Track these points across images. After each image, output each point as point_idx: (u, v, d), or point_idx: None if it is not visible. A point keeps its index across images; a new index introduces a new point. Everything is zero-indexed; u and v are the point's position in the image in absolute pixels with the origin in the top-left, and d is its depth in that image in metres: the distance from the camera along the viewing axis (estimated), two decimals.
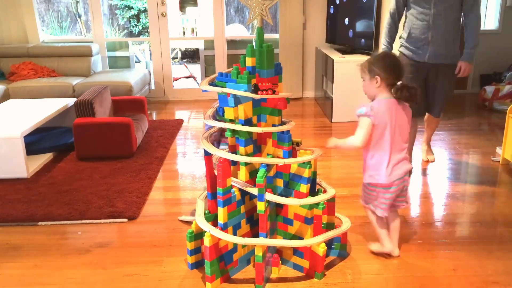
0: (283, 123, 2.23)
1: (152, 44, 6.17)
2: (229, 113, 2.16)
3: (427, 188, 3.32)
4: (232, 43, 7.12)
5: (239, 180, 2.21)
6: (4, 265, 2.39)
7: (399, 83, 2.18)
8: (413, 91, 2.16)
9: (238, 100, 2.10)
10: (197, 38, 9.40)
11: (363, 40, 4.96)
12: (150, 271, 2.31)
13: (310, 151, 2.29)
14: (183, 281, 2.23)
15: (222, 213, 2.12)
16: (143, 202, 3.09)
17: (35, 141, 4.04)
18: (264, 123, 2.21)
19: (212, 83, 2.24)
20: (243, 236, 2.24)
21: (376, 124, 2.16)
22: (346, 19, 5.29)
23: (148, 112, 5.37)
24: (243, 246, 2.26)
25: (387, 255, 2.38)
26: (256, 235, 2.21)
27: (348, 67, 4.83)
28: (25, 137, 3.52)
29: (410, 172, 2.36)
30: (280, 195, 2.26)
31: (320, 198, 2.18)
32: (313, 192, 2.26)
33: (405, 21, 3.31)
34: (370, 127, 2.17)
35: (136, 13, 10.32)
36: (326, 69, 5.28)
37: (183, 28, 10.09)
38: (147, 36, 7.37)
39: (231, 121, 2.16)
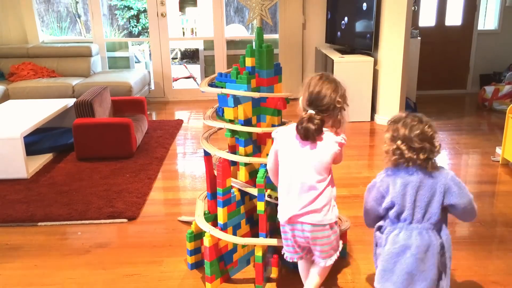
0: (283, 123, 2.23)
1: (151, 45, 6.17)
2: (228, 113, 2.16)
3: None
4: (231, 43, 7.12)
5: (238, 181, 2.21)
6: (4, 265, 2.39)
7: (310, 111, 1.81)
8: (304, 127, 1.78)
9: (237, 101, 2.10)
10: (196, 38, 9.40)
11: (362, 40, 4.96)
12: (150, 271, 2.31)
13: None
14: (183, 281, 2.23)
15: (222, 213, 2.12)
16: (143, 203, 3.09)
17: (35, 141, 4.04)
18: (263, 123, 2.21)
19: (211, 84, 2.24)
20: (243, 236, 2.24)
21: (276, 149, 1.93)
22: (346, 19, 5.29)
23: (148, 113, 5.36)
24: (243, 246, 2.26)
25: None
26: (256, 235, 2.21)
27: (348, 67, 4.83)
28: (25, 138, 3.52)
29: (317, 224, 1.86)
30: None
31: None
32: None
33: None
34: (274, 151, 1.94)
35: (135, 14, 10.32)
36: (326, 69, 5.28)
37: (183, 28, 10.09)
38: (147, 37, 7.37)
39: (231, 121, 2.16)
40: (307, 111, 1.83)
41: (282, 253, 2.00)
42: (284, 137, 1.90)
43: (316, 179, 1.83)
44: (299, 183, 1.84)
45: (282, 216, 1.89)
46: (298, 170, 1.84)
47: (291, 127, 1.89)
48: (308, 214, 1.84)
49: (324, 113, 1.82)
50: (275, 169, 1.97)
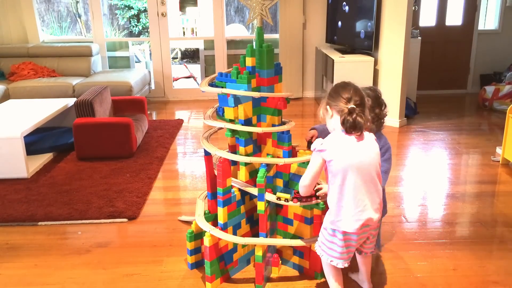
0: (283, 123, 2.23)
1: (152, 44, 6.17)
2: (229, 113, 2.16)
3: (427, 188, 3.32)
4: (232, 43, 7.12)
5: (239, 180, 2.21)
6: (4, 265, 2.39)
7: (349, 106, 1.80)
8: (354, 118, 1.78)
9: (238, 100, 2.10)
10: (197, 38, 9.39)
11: (363, 40, 4.96)
12: (150, 271, 2.31)
13: (310, 151, 2.28)
14: (183, 281, 2.23)
15: (222, 213, 2.12)
16: (143, 202, 3.09)
17: (35, 141, 4.04)
18: (264, 123, 2.21)
19: (212, 83, 2.24)
20: (243, 236, 2.24)
21: (327, 162, 1.85)
22: (346, 19, 5.29)
23: (148, 112, 5.37)
24: (243, 246, 2.26)
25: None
26: (256, 235, 2.21)
27: (348, 67, 4.83)
28: (25, 137, 3.52)
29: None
30: None
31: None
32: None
33: None
34: (319, 165, 1.87)
35: (136, 13, 10.31)
36: (326, 69, 5.28)
37: (183, 28, 10.09)
38: (147, 36, 7.36)
39: (231, 121, 2.16)
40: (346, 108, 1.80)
41: (325, 258, 1.95)
42: (333, 143, 1.84)
43: (377, 170, 1.87)
44: (368, 179, 1.83)
45: (352, 225, 1.83)
46: (364, 165, 1.83)
47: (332, 136, 1.87)
48: (378, 210, 1.89)
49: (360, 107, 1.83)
50: (314, 181, 1.94)
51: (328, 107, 1.87)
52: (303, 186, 1.94)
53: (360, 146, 1.83)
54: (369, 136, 1.89)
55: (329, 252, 1.92)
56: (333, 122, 1.87)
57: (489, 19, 6.39)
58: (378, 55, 4.84)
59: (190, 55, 10.35)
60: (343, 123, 1.80)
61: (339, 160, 1.81)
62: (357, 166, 1.81)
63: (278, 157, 2.19)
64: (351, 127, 1.78)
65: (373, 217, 1.86)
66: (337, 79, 4.85)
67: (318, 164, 1.87)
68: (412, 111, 5.17)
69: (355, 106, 1.79)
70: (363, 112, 1.81)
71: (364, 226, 1.86)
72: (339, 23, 5.48)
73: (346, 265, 1.91)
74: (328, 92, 1.91)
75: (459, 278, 2.22)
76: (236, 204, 2.18)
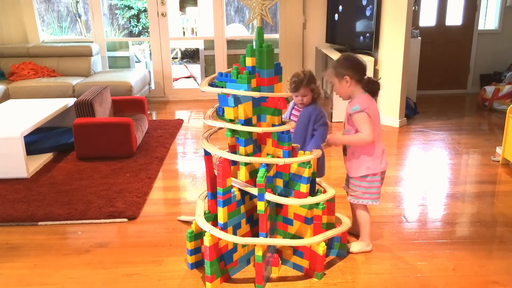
0: (283, 123, 2.22)
1: (152, 44, 6.17)
2: (229, 113, 2.16)
3: (427, 188, 3.32)
4: (232, 43, 7.12)
5: (239, 180, 2.21)
6: (4, 265, 2.39)
7: (365, 77, 2.31)
8: (377, 84, 2.31)
9: (238, 100, 2.10)
10: (197, 38, 9.39)
11: (363, 40, 4.96)
12: (150, 271, 2.31)
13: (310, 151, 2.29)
14: (183, 281, 2.23)
15: (222, 213, 2.12)
16: (143, 202, 3.09)
17: (35, 141, 4.04)
18: (264, 123, 2.21)
19: (212, 83, 2.24)
20: (243, 236, 2.24)
21: (371, 116, 2.26)
22: (346, 19, 5.29)
23: (148, 112, 5.37)
24: (243, 246, 2.26)
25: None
26: (256, 235, 2.21)
27: None
28: (25, 137, 3.52)
29: None
30: (280, 195, 2.26)
31: (320, 198, 2.18)
32: (312, 192, 2.26)
33: None
34: (369, 120, 2.26)
35: (136, 13, 10.31)
36: (326, 69, 5.27)
37: (183, 28, 10.09)
38: (147, 36, 7.36)
39: (231, 121, 2.16)
40: (363, 78, 2.30)
41: (370, 203, 2.38)
42: (368, 102, 2.27)
43: None
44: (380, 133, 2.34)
45: (385, 164, 2.37)
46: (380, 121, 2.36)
47: (361, 98, 2.28)
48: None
49: None
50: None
51: (348, 77, 2.27)
52: (367, 141, 2.26)
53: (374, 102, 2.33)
54: None
55: (371, 196, 2.37)
56: (350, 89, 2.30)
57: (489, 19, 6.39)
58: (378, 55, 4.84)
59: (190, 55, 10.35)
60: (371, 90, 2.29)
61: (376, 113, 2.29)
62: (378, 116, 2.33)
63: (278, 157, 2.19)
64: (378, 89, 2.31)
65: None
66: None
67: (368, 120, 2.25)
68: (412, 111, 5.17)
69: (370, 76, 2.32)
70: None
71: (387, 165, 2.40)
72: (339, 23, 5.47)
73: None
74: (341, 63, 2.33)
75: (459, 278, 2.22)
76: (236, 204, 2.18)
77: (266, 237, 2.12)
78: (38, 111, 4.02)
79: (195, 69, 8.64)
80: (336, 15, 5.52)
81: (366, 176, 2.35)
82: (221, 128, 2.20)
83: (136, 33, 10.39)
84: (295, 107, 2.65)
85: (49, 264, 2.39)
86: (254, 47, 2.14)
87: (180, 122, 5.06)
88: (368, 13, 4.81)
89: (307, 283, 2.19)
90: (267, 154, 2.22)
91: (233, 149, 2.23)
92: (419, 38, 5.48)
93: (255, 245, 2.09)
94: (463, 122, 5.03)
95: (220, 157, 2.10)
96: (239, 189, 2.18)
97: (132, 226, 2.81)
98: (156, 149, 4.11)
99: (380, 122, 2.34)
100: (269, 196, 2.09)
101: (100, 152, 3.82)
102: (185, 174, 3.71)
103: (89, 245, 2.58)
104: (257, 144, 2.23)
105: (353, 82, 2.29)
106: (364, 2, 4.87)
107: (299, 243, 2.16)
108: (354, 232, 2.56)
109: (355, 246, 2.43)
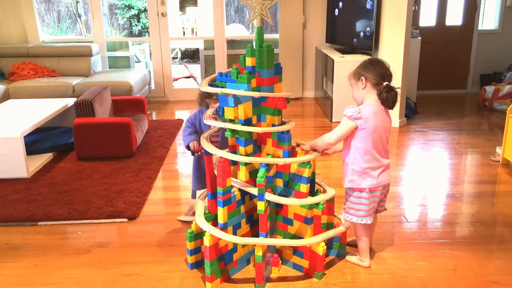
0: (283, 123, 2.22)
1: (152, 44, 6.17)
2: (229, 113, 2.16)
3: (427, 188, 3.32)
4: (232, 43, 7.12)
5: (239, 180, 2.21)
6: (4, 265, 2.39)
7: (384, 83, 2.14)
8: (393, 93, 2.14)
9: (238, 100, 2.10)
10: (197, 38, 9.40)
11: (363, 40, 4.96)
12: (150, 271, 2.31)
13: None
14: (183, 281, 2.23)
15: (222, 213, 2.12)
16: (143, 202, 3.09)
17: (35, 141, 4.04)
18: (264, 123, 2.21)
19: (212, 83, 2.24)
20: (243, 236, 2.24)
21: (364, 128, 2.12)
22: (346, 19, 5.29)
23: (148, 112, 5.37)
24: (243, 246, 2.26)
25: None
26: (256, 235, 2.21)
27: (348, 67, 4.77)
28: (25, 137, 3.52)
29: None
30: (280, 195, 2.26)
31: (320, 198, 2.18)
32: (312, 192, 2.26)
33: None
34: (349, 130, 2.14)
35: (136, 13, 10.31)
36: (326, 69, 5.28)
37: (183, 28, 10.09)
38: (147, 36, 7.36)
39: (231, 121, 2.16)
40: (381, 84, 2.14)
41: (354, 220, 2.22)
42: (369, 112, 2.13)
43: (388, 135, 2.22)
44: (385, 141, 2.19)
45: (382, 179, 2.19)
46: (386, 130, 2.19)
47: (366, 105, 2.15)
48: (389, 172, 2.26)
49: None
50: (338, 142, 2.22)
51: (364, 79, 2.16)
52: (326, 143, 2.19)
53: (385, 114, 2.18)
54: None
55: (356, 213, 2.21)
56: (364, 92, 2.18)
57: (489, 19, 6.38)
58: (378, 55, 4.83)
59: (190, 55, 10.34)
60: (385, 98, 2.12)
61: (372, 125, 2.11)
62: (383, 130, 2.16)
63: (278, 157, 2.19)
64: (394, 102, 2.14)
65: (388, 177, 2.23)
66: (337, 79, 4.86)
67: (349, 129, 2.14)
68: (412, 111, 5.17)
69: (389, 84, 2.14)
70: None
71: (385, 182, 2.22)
72: (339, 23, 5.47)
73: (369, 221, 2.21)
74: (363, 64, 2.22)
75: (459, 278, 2.22)
76: (236, 204, 2.18)
77: (266, 237, 2.12)
78: (38, 111, 4.02)
79: (195, 69, 8.64)
80: (336, 15, 5.52)
81: (352, 191, 2.21)
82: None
83: (136, 33, 10.39)
84: None
85: (49, 264, 2.39)
86: (254, 47, 2.14)
87: (180, 122, 5.06)
88: (368, 13, 4.81)
89: (307, 283, 2.19)
90: (267, 154, 2.22)
91: (233, 149, 2.23)
92: (419, 38, 5.48)
93: (255, 245, 2.09)
94: (463, 122, 5.03)
95: (220, 157, 2.10)
96: (239, 189, 2.18)
97: (132, 226, 2.81)
98: (156, 149, 4.11)
99: (383, 139, 2.17)
100: (269, 196, 2.09)
101: (100, 152, 3.82)
102: (185, 174, 3.70)
103: (89, 245, 2.58)
104: (257, 144, 2.23)
105: (369, 86, 2.15)
106: (364, 2, 4.87)
107: (299, 243, 2.16)
108: (354, 244, 2.40)
109: (351, 257, 2.37)
